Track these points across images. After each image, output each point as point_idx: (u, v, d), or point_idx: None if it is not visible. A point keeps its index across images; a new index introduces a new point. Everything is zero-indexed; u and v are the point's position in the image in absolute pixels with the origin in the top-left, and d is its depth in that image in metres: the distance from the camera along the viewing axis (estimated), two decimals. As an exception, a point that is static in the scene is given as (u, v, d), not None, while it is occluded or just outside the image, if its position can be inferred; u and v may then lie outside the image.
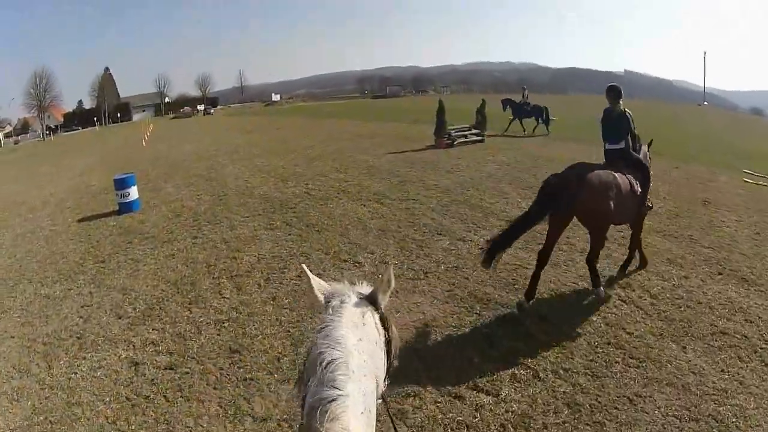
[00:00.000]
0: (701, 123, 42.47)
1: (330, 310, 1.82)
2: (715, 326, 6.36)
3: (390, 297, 1.99)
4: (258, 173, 18.25)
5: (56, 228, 13.65)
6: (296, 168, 18.72)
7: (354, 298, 1.89)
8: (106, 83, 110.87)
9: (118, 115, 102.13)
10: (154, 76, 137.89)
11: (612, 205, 6.88)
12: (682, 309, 6.82)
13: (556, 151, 19.88)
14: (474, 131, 23.55)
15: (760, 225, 10.82)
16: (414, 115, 39.96)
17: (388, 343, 1.94)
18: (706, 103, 78.06)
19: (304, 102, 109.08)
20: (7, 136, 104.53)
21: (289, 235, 10.68)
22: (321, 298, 1.94)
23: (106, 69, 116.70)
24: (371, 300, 1.93)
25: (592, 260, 7.20)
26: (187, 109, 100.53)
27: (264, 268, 8.94)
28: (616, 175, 7.08)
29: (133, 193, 14.63)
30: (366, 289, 2.00)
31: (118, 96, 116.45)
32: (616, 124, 7.56)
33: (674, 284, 7.61)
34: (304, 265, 2.15)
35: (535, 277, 7.04)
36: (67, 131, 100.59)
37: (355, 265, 8.79)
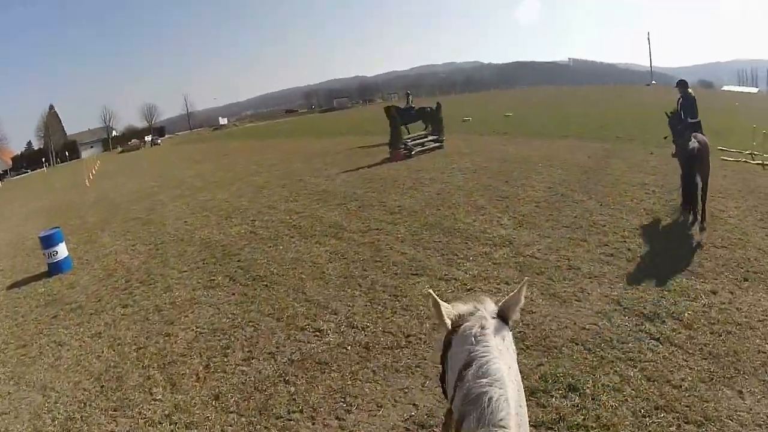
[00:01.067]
0: (654, 103, 41.75)
1: (473, 339, 1.74)
2: (763, 352, 5.40)
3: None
4: (200, 212, 16.14)
5: None
6: (241, 200, 16.70)
7: (492, 322, 1.82)
8: (51, 121, 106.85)
9: (66, 153, 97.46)
10: (99, 110, 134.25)
11: None
12: (723, 337, 5.73)
13: (519, 150, 18.57)
14: (431, 137, 21.57)
15: (760, 209, 10.16)
16: (365, 126, 38.43)
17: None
18: (654, 82, 78.56)
19: (252, 123, 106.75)
20: None
21: (233, 295, 8.68)
22: (449, 323, 1.89)
23: (51, 107, 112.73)
24: (504, 319, 1.88)
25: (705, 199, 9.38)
26: (134, 141, 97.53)
27: (203, 349, 6.96)
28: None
29: (62, 250, 12.63)
30: (492, 306, 1.92)
31: (65, 134, 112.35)
32: (692, 105, 10.42)
33: (704, 304, 6.49)
34: (430, 290, 2.05)
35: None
36: (16, 175, 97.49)
37: (316, 335, 6.85)
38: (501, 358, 1.68)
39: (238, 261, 10.36)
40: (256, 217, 13.88)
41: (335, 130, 32.60)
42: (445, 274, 8.03)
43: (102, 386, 6.52)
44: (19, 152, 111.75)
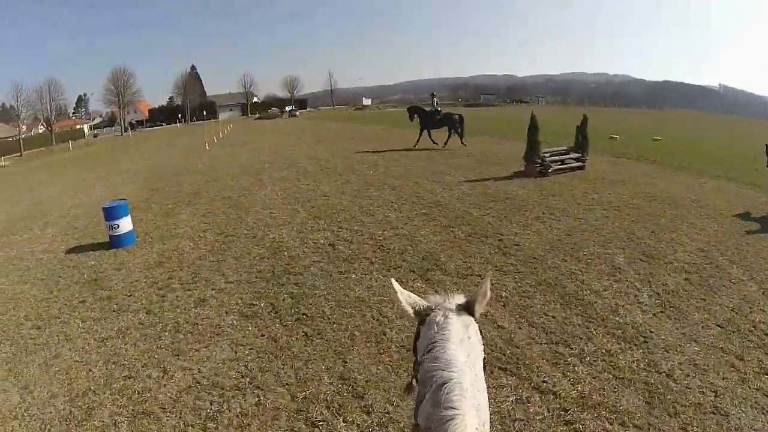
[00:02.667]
0: None
1: (435, 327, 1.86)
2: None
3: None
4: (292, 203, 15.07)
5: (42, 257, 12.13)
6: (341, 198, 15.30)
7: (455, 312, 1.92)
8: (191, 81, 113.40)
9: (204, 112, 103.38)
10: (239, 77, 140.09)
11: None
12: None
13: (668, 186, 15.81)
14: (573, 155, 18.78)
15: None
16: (503, 128, 36.55)
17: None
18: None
19: (394, 107, 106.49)
20: (95, 127, 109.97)
21: (262, 336, 7.01)
22: (410, 311, 2.01)
23: (192, 67, 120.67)
24: (469, 310, 1.97)
25: None
26: (274, 110, 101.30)
27: (186, 410, 5.45)
28: None
29: (124, 224, 12.24)
30: (461, 298, 2.03)
31: (204, 94, 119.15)
32: None
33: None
34: (393, 280, 2.14)
35: None
36: (151, 126, 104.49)
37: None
38: (460, 345, 1.78)
39: (295, 284, 8.79)
40: (346, 224, 12.41)
41: (472, 127, 30.17)
42: (544, 381, 5.60)
43: (71, 412, 5.59)
44: (157, 106, 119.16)
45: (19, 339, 7.61)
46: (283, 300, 8.10)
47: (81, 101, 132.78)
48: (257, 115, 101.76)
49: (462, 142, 24.74)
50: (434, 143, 25.09)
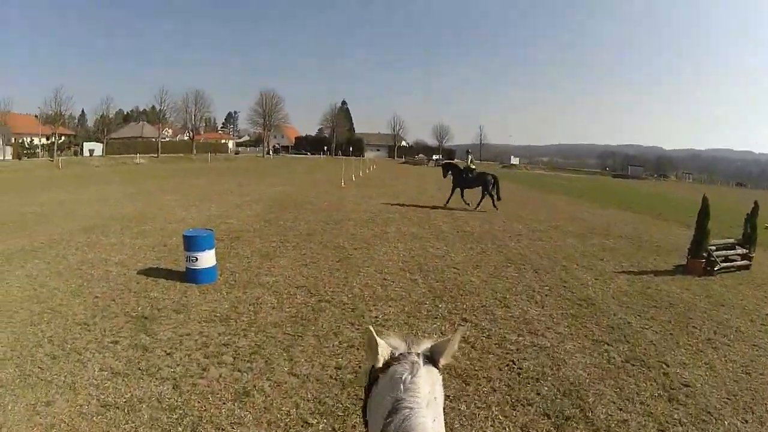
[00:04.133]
0: None
1: (401, 385, 1.79)
2: None
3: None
4: (413, 270, 12.55)
5: (111, 270, 11.68)
6: (473, 274, 12.49)
7: (423, 367, 1.86)
8: (340, 115, 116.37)
9: (350, 148, 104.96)
10: (389, 118, 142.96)
11: None
12: None
13: None
14: (739, 251, 14.80)
15: None
16: (657, 205, 33.25)
17: None
18: None
19: (542, 170, 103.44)
20: (239, 145, 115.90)
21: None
22: (381, 361, 1.94)
23: (343, 102, 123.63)
24: (435, 363, 1.93)
25: None
26: (421, 156, 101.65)
27: None
28: None
29: (204, 259, 10.80)
30: (425, 345, 1.99)
31: (353, 130, 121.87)
32: None
33: None
34: (371, 327, 2.02)
35: None
36: (295, 153, 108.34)
37: None
38: (428, 409, 1.73)
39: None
40: (472, 314, 9.55)
41: (624, 201, 26.60)
42: None
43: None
44: (305, 134, 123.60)
45: (26, 363, 6.82)
46: (354, 429, 5.63)
47: (230, 117, 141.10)
48: (403, 159, 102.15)
49: (494, 205, 24.17)
50: (466, 204, 24.63)
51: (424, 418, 1.68)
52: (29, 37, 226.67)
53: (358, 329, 8.33)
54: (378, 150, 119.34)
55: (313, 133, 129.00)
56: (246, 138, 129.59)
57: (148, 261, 12.50)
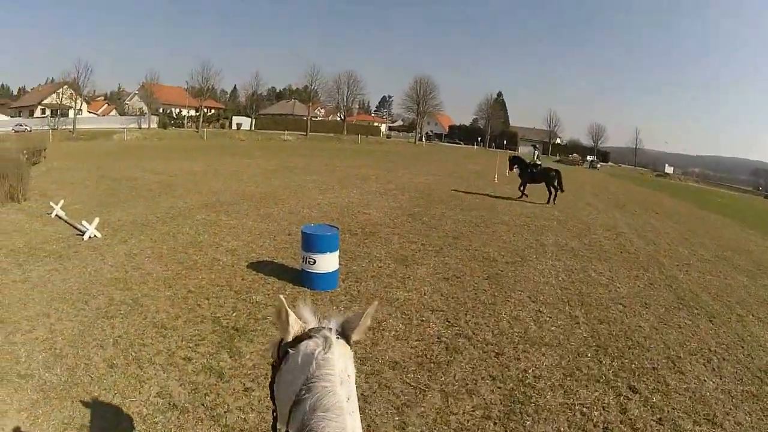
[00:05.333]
0: None
1: (314, 362, 1.76)
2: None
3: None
4: (572, 302, 9.80)
5: (220, 260, 10.51)
6: (639, 315, 9.59)
7: (337, 343, 1.84)
8: (495, 107, 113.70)
9: (504, 142, 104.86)
10: (544, 113, 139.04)
11: None
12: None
13: None
14: None
15: None
16: None
17: None
18: None
19: (696, 182, 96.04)
20: (391, 129, 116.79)
21: None
22: (291, 335, 1.93)
23: (499, 93, 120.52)
24: (347, 339, 1.92)
25: None
26: (575, 156, 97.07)
27: None
28: None
29: (324, 263, 9.08)
30: (338, 322, 1.97)
31: (507, 123, 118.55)
32: None
33: None
34: (282, 297, 2.01)
35: None
36: (448, 142, 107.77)
37: None
38: (342, 387, 1.73)
39: None
40: (641, 381, 7.04)
41: None
42: None
43: None
44: (459, 124, 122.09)
45: (78, 367, 5.86)
46: None
47: (384, 101, 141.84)
48: (557, 158, 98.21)
49: (553, 201, 23.47)
50: (524, 195, 24.43)
51: (339, 397, 1.66)
52: (181, 9, 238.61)
53: (500, 388, 6.15)
54: (533, 146, 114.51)
55: (468, 123, 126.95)
56: (399, 123, 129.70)
57: (263, 252, 11.24)
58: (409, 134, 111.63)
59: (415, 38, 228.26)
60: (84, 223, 12.22)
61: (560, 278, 11.32)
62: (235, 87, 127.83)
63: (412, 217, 16.61)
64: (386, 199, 19.74)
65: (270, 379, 2.01)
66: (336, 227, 9.92)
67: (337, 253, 9.29)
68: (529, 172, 24.52)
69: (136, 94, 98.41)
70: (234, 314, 7.68)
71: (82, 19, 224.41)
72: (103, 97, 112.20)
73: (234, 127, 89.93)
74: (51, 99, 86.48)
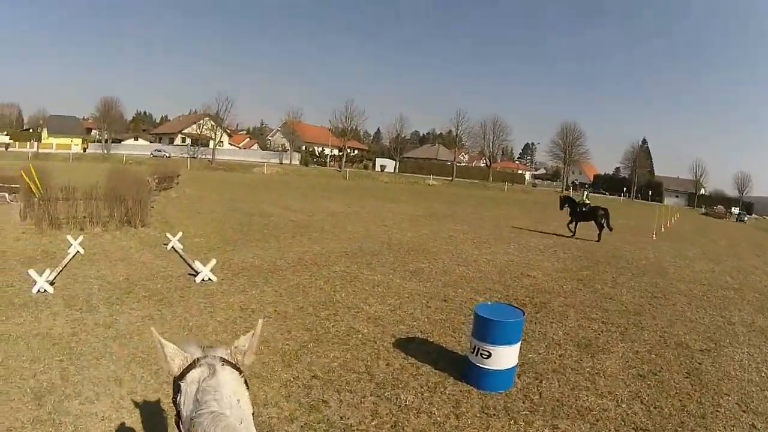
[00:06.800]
0: None
1: (201, 392, 1.74)
2: None
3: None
4: None
5: (362, 330, 8.28)
6: None
7: (223, 370, 1.83)
8: (640, 155, 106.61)
9: (649, 192, 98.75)
10: (689, 161, 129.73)
11: None
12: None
13: None
14: None
15: None
16: None
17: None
18: None
19: None
20: (536, 177, 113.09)
21: None
22: (174, 368, 1.90)
23: (644, 141, 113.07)
24: (235, 365, 1.91)
25: None
26: (720, 208, 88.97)
27: None
28: None
29: (502, 357, 6.57)
30: (223, 350, 1.96)
31: (653, 172, 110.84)
32: None
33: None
34: (152, 329, 2.04)
35: None
36: (593, 192, 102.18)
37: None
38: (232, 411, 1.70)
39: None
40: None
41: None
42: None
43: None
44: (602, 173, 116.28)
45: None
46: None
47: (527, 148, 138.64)
48: (703, 210, 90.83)
49: (598, 237, 23.83)
50: (572, 233, 24.55)
51: (229, 420, 1.63)
52: (326, 51, 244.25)
53: None
54: (677, 197, 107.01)
55: (610, 172, 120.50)
56: (542, 171, 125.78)
57: (414, 324, 8.82)
58: (554, 183, 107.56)
59: (559, 85, 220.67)
60: (197, 264, 10.62)
61: (763, 373, 8.18)
62: (378, 129, 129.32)
63: (582, 283, 13.54)
64: (548, 258, 16.75)
65: (174, 419, 1.87)
66: (521, 310, 7.17)
67: (518, 345, 6.74)
68: (579, 212, 25.04)
69: (278, 130, 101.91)
70: (373, 422, 5.37)
71: (226, 55, 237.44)
72: (245, 131, 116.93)
73: (378, 168, 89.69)
74: (191, 129, 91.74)
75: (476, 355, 6.54)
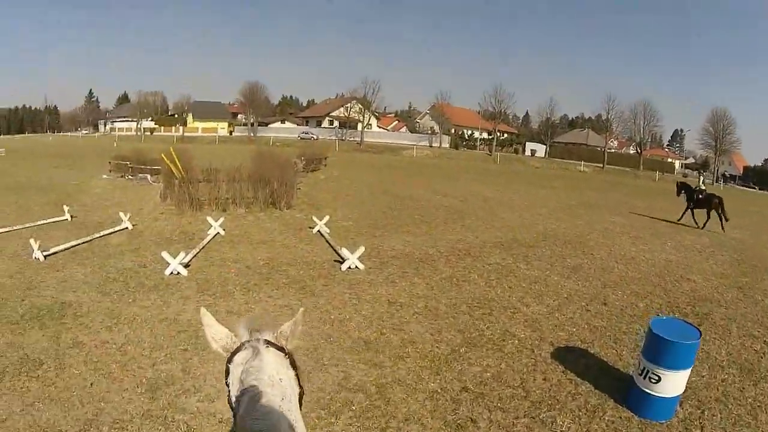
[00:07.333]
0: None
1: (244, 371, 1.76)
2: None
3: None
4: None
5: (521, 335, 7.71)
6: None
7: (266, 352, 1.83)
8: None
9: None
10: None
11: None
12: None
13: None
14: None
15: None
16: None
17: (298, 378, 1.89)
18: None
19: None
20: (685, 166, 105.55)
21: None
22: (219, 349, 1.91)
23: None
24: (281, 348, 1.89)
25: None
26: None
27: None
28: None
29: (672, 383, 5.77)
30: (271, 332, 1.92)
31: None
32: None
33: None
34: (203, 308, 2.01)
35: None
36: (742, 185, 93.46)
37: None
38: (273, 389, 1.71)
39: None
40: None
41: None
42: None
43: None
44: (753, 164, 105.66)
45: None
46: None
47: (676, 135, 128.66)
48: None
49: (722, 228, 22.27)
50: (695, 223, 23.41)
51: (268, 398, 1.65)
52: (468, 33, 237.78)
53: None
54: (699, 171, 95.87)
55: (760, 163, 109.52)
56: (691, 160, 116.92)
57: (574, 330, 8.06)
58: (703, 173, 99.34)
59: (709, 66, 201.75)
60: (344, 250, 10.44)
61: None
62: (527, 112, 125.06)
63: (742, 292, 11.82)
64: (706, 260, 14.90)
65: (227, 397, 1.84)
66: (697, 329, 6.15)
67: (690, 370, 5.90)
68: (695, 198, 24.11)
69: (427, 113, 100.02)
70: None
71: (370, 39, 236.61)
72: (393, 114, 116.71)
73: (528, 153, 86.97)
74: (339, 112, 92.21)
75: (644, 378, 5.75)
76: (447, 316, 8.09)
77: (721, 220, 22.74)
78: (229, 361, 1.83)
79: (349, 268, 10.09)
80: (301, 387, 1.87)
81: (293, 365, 1.87)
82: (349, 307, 8.12)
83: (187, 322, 7.11)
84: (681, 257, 14.82)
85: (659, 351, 5.70)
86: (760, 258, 16.48)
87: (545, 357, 6.93)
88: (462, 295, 9.20)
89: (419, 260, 11.34)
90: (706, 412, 6.00)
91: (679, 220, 23.83)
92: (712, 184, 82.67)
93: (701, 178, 26.39)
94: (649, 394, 5.72)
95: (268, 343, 1.84)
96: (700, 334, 6.04)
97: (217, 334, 1.90)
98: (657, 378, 5.65)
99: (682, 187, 25.05)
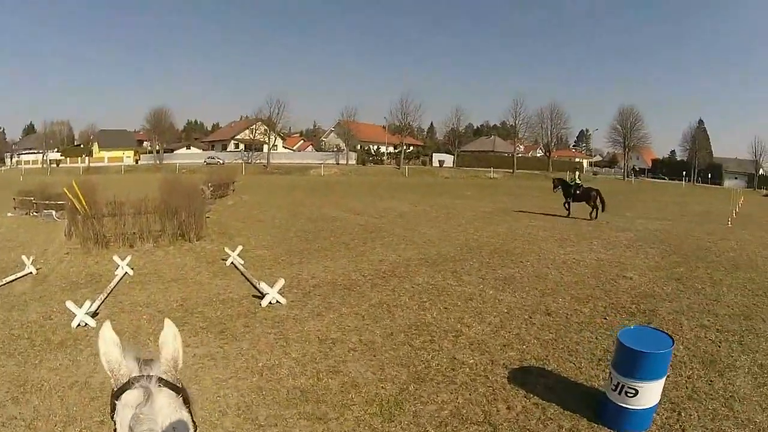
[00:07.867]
0: None
1: (134, 422, 1.48)
2: None
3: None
4: None
5: (466, 360, 7.07)
6: None
7: (158, 395, 1.55)
8: (699, 137, 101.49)
9: (709, 175, 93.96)
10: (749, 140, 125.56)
11: None
12: None
13: None
14: None
15: None
16: None
17: (191, 414, 1.63)
18: None
19: None
20: (594, 165, 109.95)
21: None
22: (109, 374, 1.60)
23: (700, 121, 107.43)
24: (174, 386, 1.61)
25: None
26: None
27: None
28: None
29: (648, 395, 5.39)
30: (162, 367, 1.62)
31: (711, 154, 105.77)
32: None
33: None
34: (107, 322, 1.68)
35: None
36: (652, 177, 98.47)
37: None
38: None
39: None
40: None
41: None
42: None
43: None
44: (661, 157, 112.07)
45: None
46: None
47: (582, 135, 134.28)
48: (765, 192, 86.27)
49: (591, 215, 24.64)
50: (567, 211, 25.60)
51: None
52: (380, 49, 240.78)
53: None
54: (735, 178, 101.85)
55: (666, 155, 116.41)
56: (597, 158, 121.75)
57: (524, 347, 7.54)
58: (612, 170, 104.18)
59: (611, 67, 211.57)
60: (263, 285, 9.59)
61: None
62: (431, 124, 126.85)
63: (681, 282, 11.84)
64: (636, 255, 14.97)
65: None
66: (669, 336, 5.79)
67: (664, 379, 5.49)
68: (572, 192, 25.71)
69: (332, 130, 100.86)
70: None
71: (273, 61, 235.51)
72: (299, 134, 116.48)
73: (436, 164, 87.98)
74: (244, 134, 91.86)
75: (620, 393, 5.32)
76: (385, 350, 7.39)
77: (597, 209, 24.71)
78: (116, 398, 1.56)
79: (270, 303, 9.25)
80: (195, 424, 1.63)
81: (186, 401, 1.62)
82: (276, 350, 7.29)
83: (100, 386, 6.12)
84: (611, 255, 14.78)
85: (634, 364, 5.28)
86: (688, 247, 16.69)
87: (502, 383, 6.32)
88: (396, 323, 8.52)
89: (344, 287, 10.64)
90: (682, 413, 5.71)
91: (569, 215, 25.12)
92: (623, 179, 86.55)
93: (576, 173, 28.35)
94: (627, 408, 5.28)
95: (160, 381, 1.58)
96: (673, 342, 5.66)
97: (110, 355, 1.59)
98: (634, 392, 5.24)
99: (559, 183, 26.86)
